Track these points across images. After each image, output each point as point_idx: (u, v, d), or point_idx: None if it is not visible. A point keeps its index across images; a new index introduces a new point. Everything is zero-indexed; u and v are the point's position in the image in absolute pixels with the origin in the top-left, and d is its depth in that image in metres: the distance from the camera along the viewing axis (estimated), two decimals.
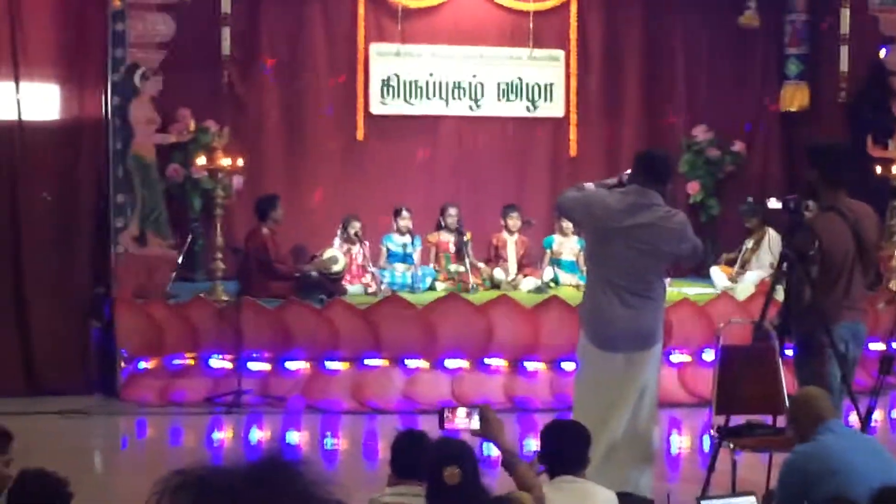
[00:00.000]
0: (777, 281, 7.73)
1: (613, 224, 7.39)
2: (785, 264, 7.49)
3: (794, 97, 15.41)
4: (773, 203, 7.71)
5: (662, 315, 7.69)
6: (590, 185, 7.90)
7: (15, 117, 11.83)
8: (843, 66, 14.06)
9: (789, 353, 7.96)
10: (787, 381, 7.84)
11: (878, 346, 11.33)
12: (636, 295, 7.41)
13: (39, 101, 11.97)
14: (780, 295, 11.73)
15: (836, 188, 7.70)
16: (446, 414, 5.39)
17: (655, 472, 7.85)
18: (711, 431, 7.85)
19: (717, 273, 13.71)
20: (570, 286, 13.60)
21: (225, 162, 12.39)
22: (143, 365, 11.91)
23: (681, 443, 10.94)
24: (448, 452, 4.89)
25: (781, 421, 7.71)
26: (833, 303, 7.52)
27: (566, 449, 5.66)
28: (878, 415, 9.56)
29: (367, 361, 11.83)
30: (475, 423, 5.36)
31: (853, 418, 7.83)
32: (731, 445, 7.53)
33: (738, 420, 7.68)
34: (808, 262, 7.38)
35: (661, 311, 7.63)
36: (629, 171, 7.77)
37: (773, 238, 13.68)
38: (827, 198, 7.67)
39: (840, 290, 7.58)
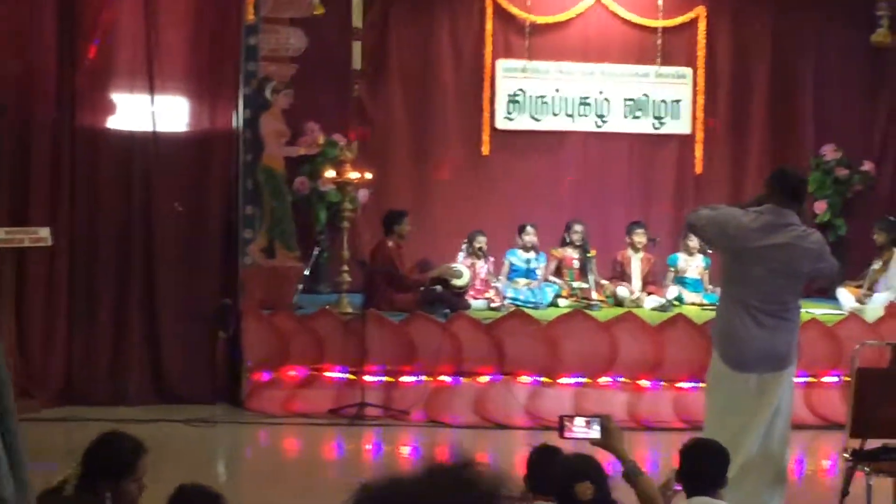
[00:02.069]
0: None
1: (748, 244, 7.28)
2: None
3: None
4: None
5: (797, 336, 7.56)
6: (723, 206, 7.82)
7: (150, 129, 12.03)
8: None
9: None
10: None
11: None
12: (771, 315, 7.29)
13: (173, 113, 12.15)
14: None
15: None
16: (565, 422, 5.36)
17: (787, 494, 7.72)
18: (845, 455, 7.70)
19: (844, 294, 13.48)
20: (695, 304, 13.52)
21: (353, 175, 12.47)
22: (267, 376, 11.99)
23: (809, 465, 10.74)
24: (579, 468, 4.88)
25: None
26: None
27: (705, 468, 5.60)
28: None
29: (489, 376, 11.82)
30: (595, 433, 5.32)
31: None
32: (867, 469, 7.39)
33: (872, 444, 7.54)
34: None
35: (796, 331, 7.49)
36: (764, 190, 7.64)
37: None
38: None
39: None
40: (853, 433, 7.64)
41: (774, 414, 7.39)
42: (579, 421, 5.37)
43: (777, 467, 7.46)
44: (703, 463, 5.64)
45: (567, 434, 5.35)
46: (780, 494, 7.49)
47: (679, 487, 5.62)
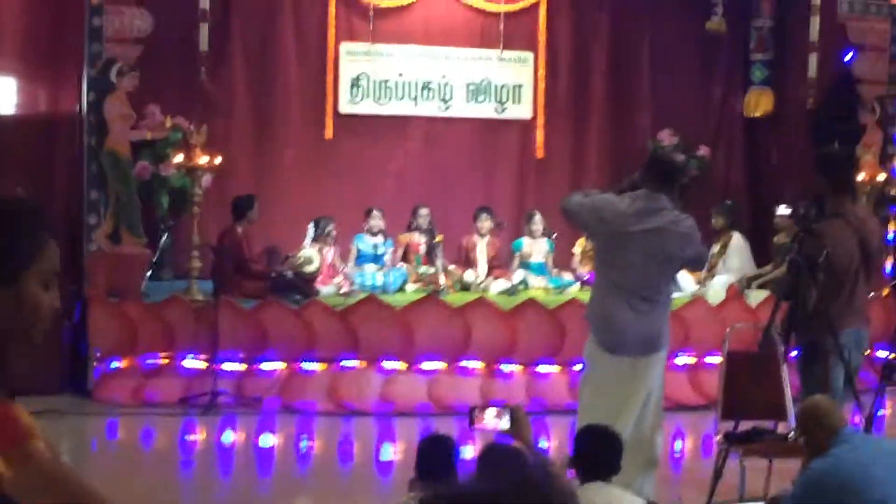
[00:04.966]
0: (787, 288, 7.72)
1: (624, 229, 7.32)
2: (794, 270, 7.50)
3: (759, 102, 15.57)
4: (783, 210, 7.73)
5: (668, 319, 7.65)
6: (595, 191, 7.85)
7: None
8: (812, 72, 14.14)
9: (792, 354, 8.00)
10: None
11: None
12: (645, 299, 7.36)
13: (14, 95, 11.78)
14: (754, 299, 11.82)
15: (843, 195, 7.75)
16: (476, 413, 5.32)
17: (661, 477, 7.82)
18: (717, 437, 7.84)
19: (685, 277, 13.68)
20: (540, 288, 13.61)
21: (203, 160, 12.21)
22: (115, 364, 11.71)
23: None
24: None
25: (784, 427, 7.76)
26: (838, 309, 7.55)
27: (600, 455, 5.64)
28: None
29: (343, 363, 11.74)
30: (505, 423, 5.30)
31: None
32: (740, 451, 7.53)
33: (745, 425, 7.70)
34: (817, 269, 7.40)
35: (667, 315, 7.60)
36: (638, 174, 7.69)
37: (738, 242, 13.76)
38: (834, 205, 7.71)
39: (845, 297, 7.63)
40: (725, 415, 7.78)
41: (647, 397, 7.47)
42: (490, 411, 5.32)
43: (648, 452, 7.51)
44: (598, 449, 5.69)
45: (478, 424, 5.31)
46: (652, 478, 7.57)
47: (572, 474, 5.65)
